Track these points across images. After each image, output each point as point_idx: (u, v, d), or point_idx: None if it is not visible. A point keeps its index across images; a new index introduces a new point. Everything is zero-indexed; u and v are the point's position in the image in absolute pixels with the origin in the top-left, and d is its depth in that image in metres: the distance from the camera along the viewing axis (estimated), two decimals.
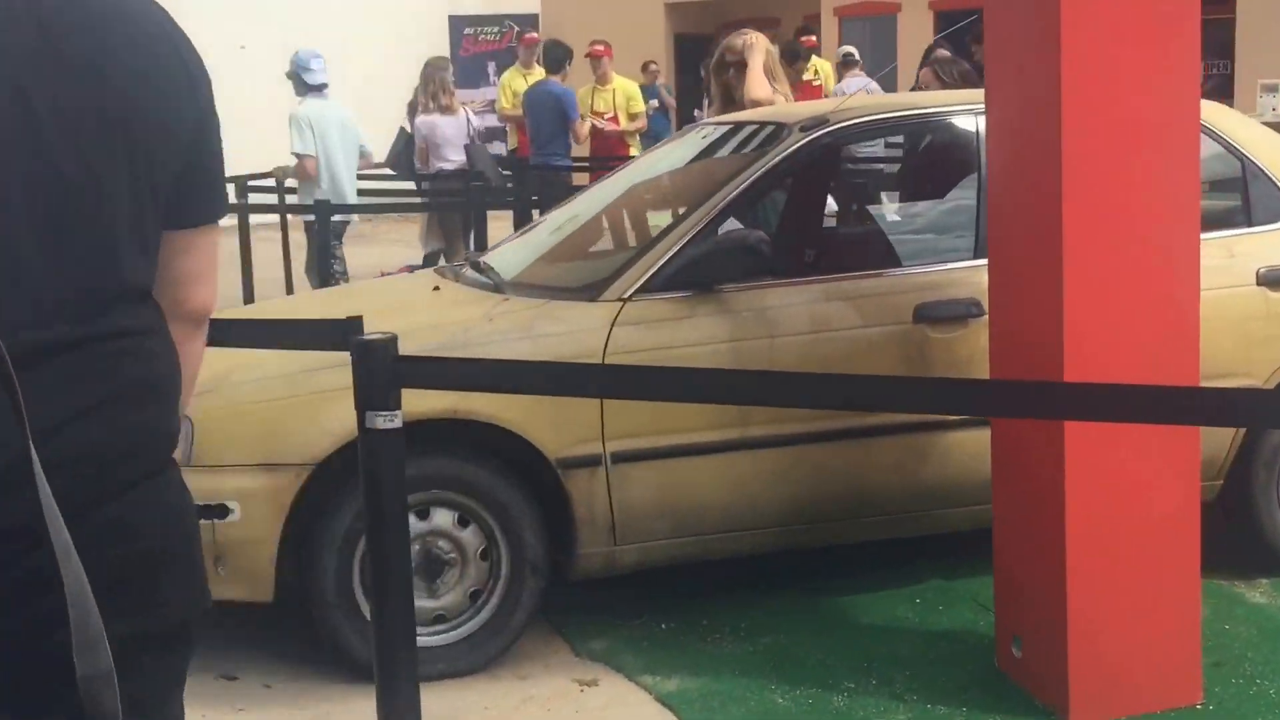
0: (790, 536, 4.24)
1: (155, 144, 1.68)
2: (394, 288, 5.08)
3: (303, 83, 8.65)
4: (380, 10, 17.98)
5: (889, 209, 4.86)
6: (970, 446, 4.05)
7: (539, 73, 11.11)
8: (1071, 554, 3.38)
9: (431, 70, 10.15)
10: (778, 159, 4.24)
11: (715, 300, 4.06)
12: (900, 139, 4.81)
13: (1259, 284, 4.37)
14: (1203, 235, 4.39)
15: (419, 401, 3.78)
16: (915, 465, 4.19)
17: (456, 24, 18.50)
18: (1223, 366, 4.30)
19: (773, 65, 6.18)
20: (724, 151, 4.64)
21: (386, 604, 3.04)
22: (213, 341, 2.19)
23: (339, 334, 3.20)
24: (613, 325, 3.97)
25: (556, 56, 10.65)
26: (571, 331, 3.98)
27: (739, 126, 4.79)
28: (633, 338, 3.97)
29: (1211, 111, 4.69)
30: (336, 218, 8.29)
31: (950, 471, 4.18)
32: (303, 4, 17.22)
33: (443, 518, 3.94)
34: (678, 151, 5.01)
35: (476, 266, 4.58)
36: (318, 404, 3.81)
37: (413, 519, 3.88)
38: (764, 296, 4.11)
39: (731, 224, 4.33)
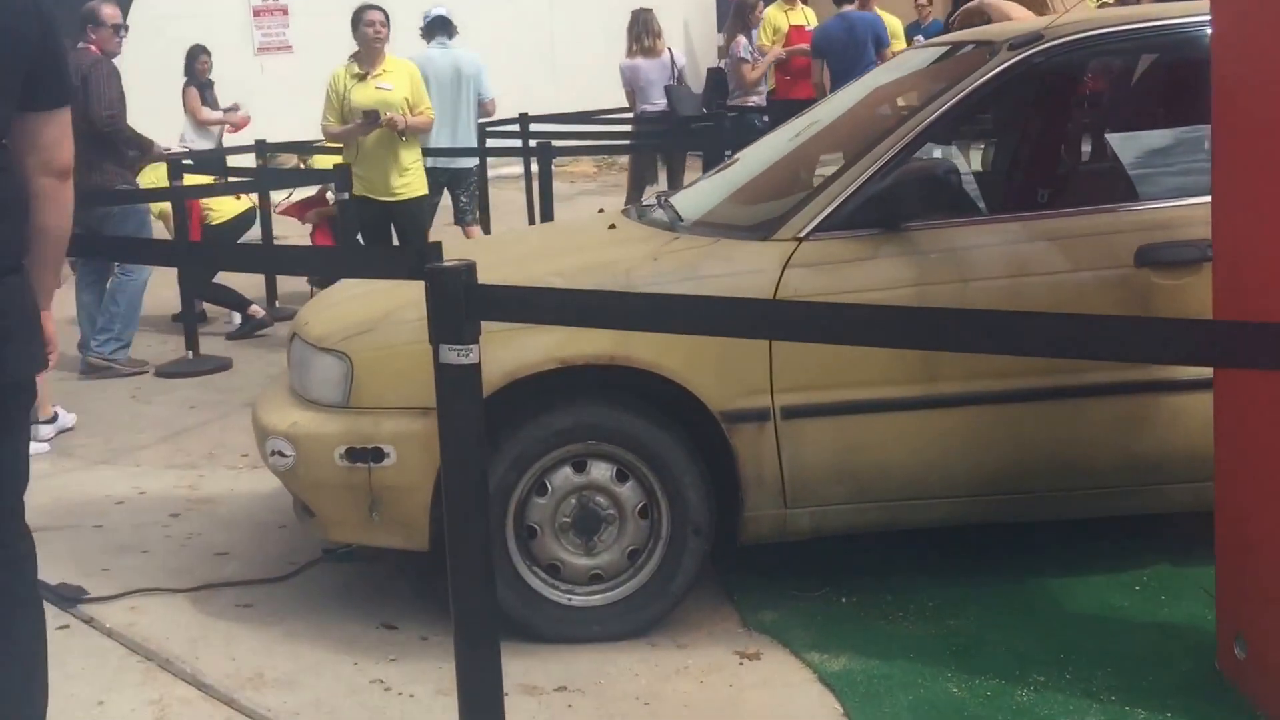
0: (988, 508, 3.80)
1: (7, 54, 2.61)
2: (572, 227, 4.83)
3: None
4: None
5: (1110, 137, 4.27)
6: (1202, 411, 3.50)
7: (801, 11, 10.56)
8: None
9: (637, 14, 10.07)
10: (981, 81, 3.75)
11: (901, 240, 3.64)
12: (1125, 58, 4.20)
13: None
14: None
15: (575, 344, 3.56)
16: (1135, 432, 3.67)
17: None
18: None
19: None
20: (928, 75, 4.17)
21: (461, 560, 2.78)
22: (292, 269, 2.14)
23: (417, 262, 2.97)
24: (785, 266, 3.61)
25: None
26: (739, 272, 3.64)
27: (954, 48, 4.31)
28: (807, 280, 3.60)
29: None
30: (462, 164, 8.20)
31: (1178, 440, 3.65)
32: None
33: (600, 471, 3.69)
34: (884, 78, 4.55)
35: (661, 205, 4.28)
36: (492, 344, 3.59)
37: (569, 471, 3.69)
38: (958, 236, 3.67)
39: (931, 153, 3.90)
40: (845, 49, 9.45)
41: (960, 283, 3.61)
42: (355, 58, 7.38)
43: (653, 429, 3.66)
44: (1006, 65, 3.77)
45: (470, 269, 2.67)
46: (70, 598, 4.13)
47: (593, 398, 3.67)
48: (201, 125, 10.49)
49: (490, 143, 8.68)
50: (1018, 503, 3.79)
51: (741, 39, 10.13)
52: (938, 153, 4.06)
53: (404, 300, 3.85)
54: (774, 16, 10.85)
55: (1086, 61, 4.13)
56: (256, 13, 14.99)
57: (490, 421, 3.62)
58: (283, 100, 14.10)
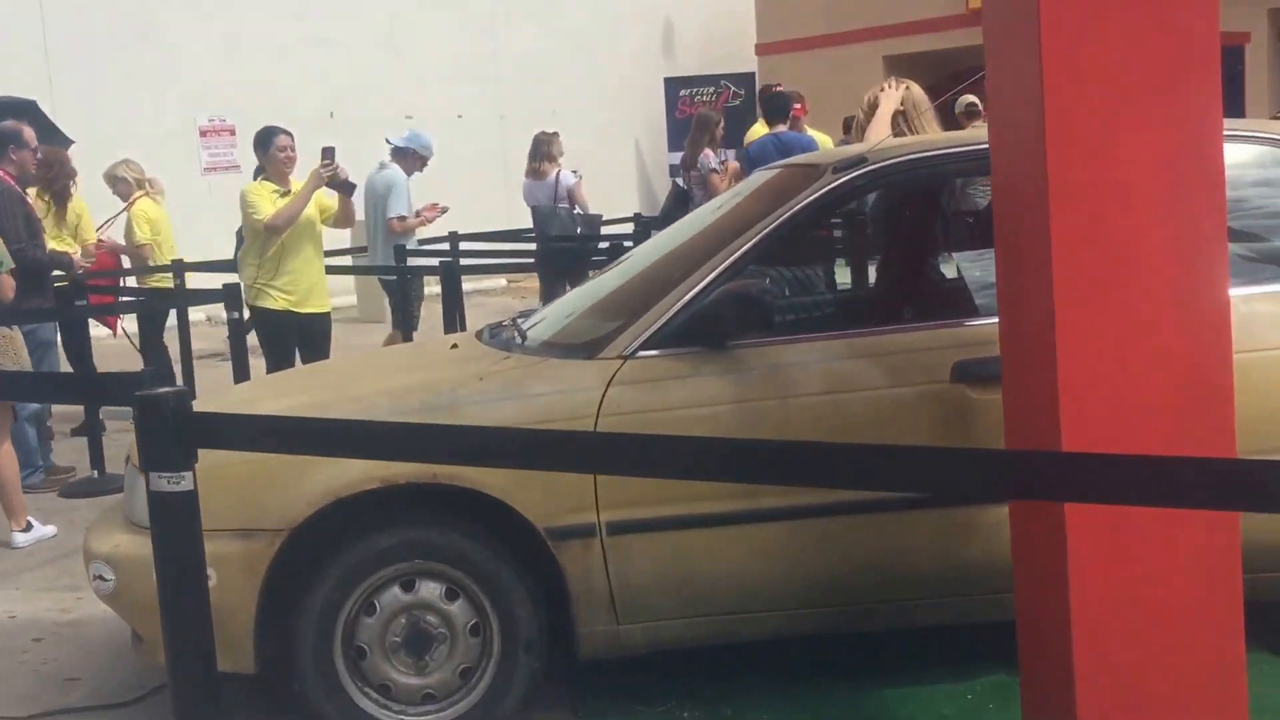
0: (819, 620, 3.79)
1: None
2: (421, 347, 4.86)
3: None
4: (596, 75, 18.12)
5: (929, 256, 4.35)
6: None
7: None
8: (1079, 659, 2.85)
9: (536, 137, 10.51)
10: (805, 203, 3.82)
11: (724, 358, 3.67)
12: (945, 180, 4.29)
13: None
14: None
15: (397, 462, 3.56)
16: (961, 541, 3.68)
17: (672, 86, 18.48)
18: None
19: (916, 116, 5.68)
20: (761, 197, 4.25)
21: (185, 689, 2.76)
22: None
23: (126, 388, 2.99)
24: (609, 384, 3.64)
25: (779, 105, 10.00)
26: (563, 391, 3.66)
27: (789, 170, 4.39)
28: (630, 398, 3.63)
29: None
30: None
31: (1005, 549, 3.65)
32: (515, 68, 17.50)
33: (429, 589, 3.67)
34: (734, 200, 4.62)
35: (511, 326, 4.32)
36: (297, 466, 3.61)
37: (398, 590, 3.67)
38: (780, 353, 3.70)
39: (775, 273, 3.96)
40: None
41: (780, 400, 3.64)
42: (267, 178, 7.44)
43: (479, 547, 3.65)
44: (830, 187, 3.84)
45: (180, 396, 2.70)
46: None
47: (418, 516, 3.67)
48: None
49: (415, 259, 8.80)
50: (847, 614, 3.78)
51: (709, 152, 10.20)
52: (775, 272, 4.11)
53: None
54: (758, 130, 10.88)
55: (908, 183, 4.20)
56: (203, 133, 15.16)
57: (315, 540, 3.64)
58: (229, 219, 14.25)
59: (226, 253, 10.41)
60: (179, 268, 8.96)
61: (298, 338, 7.37)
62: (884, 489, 3.11)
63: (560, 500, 3.59)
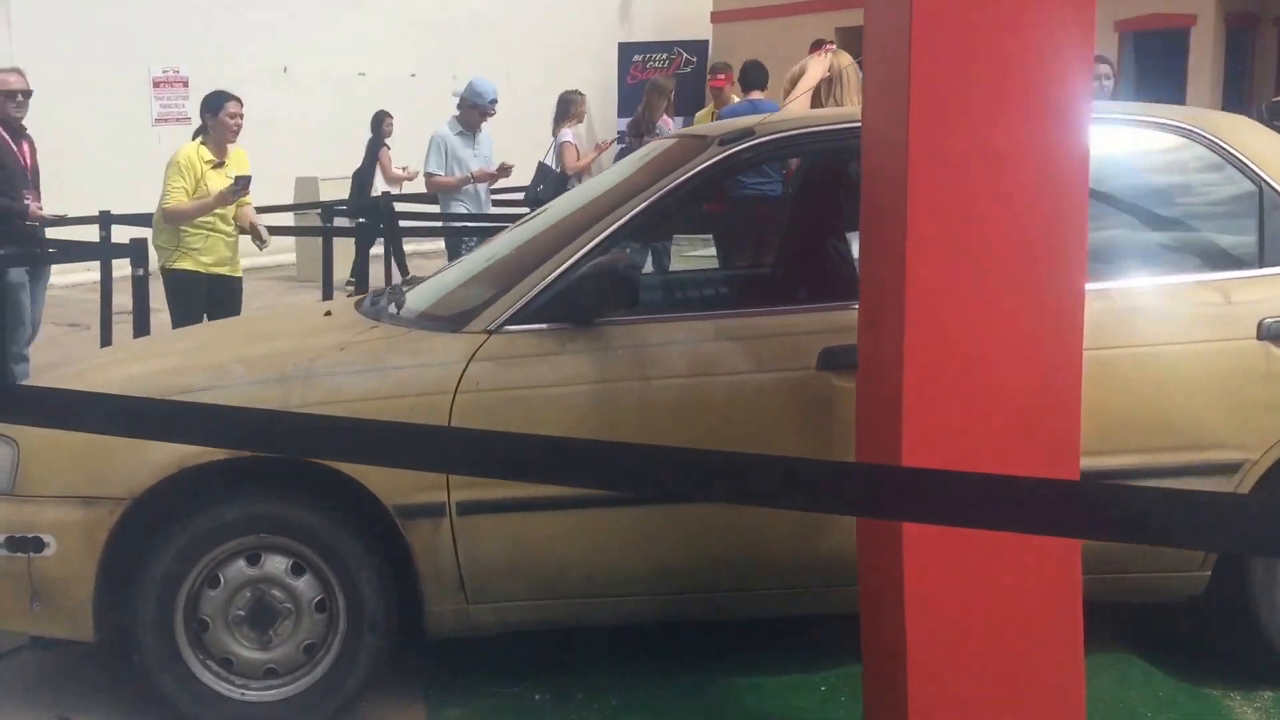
0: (670, 607, 3.63)
1: None
2: (292, 313, 4.65)
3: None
4: (549, 36, 17.79)
5: (804, 237, 4.16)
6: None
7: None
8: (913, 671, 2.70)
9: (560, 98, 9.76)
10: (686, 176, 3.63)
11: (589, 336, 3.49)
12: (830, 157, 4.08)
13: (1261, 338, 3.56)
14: (1194, 277, 3.69)
15: None
16: (817, 531, 3.51)
17: (626, 50, 18.17)
18: (1209, 436, 3.53)
19: (842, 87, 5.47)
20: (645, 169, 4.05)
21: None
22: None
23: None
24: (470, 360, 3.45)
25: (758, 74, 9.63)
26: (422, 365, 3.47)
27: (675, 141, 4.19)
28: (490, 374, 3.44)
29: (1224, 124, 3.89)
30: None
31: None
32: (469, 29, 17.16)
33: (275, 564, 3.48)
34: (623, 171, 4.41)
35: (391, 294, 4.11)
36: None
37: (242, 564, 3.48)
38: (646, 332, 3.52)
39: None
40: None
41: (643, 380, 3.46)
42: (207, 143, 7.12)
43: (327, 522, 3.46)
44: (714, 160, 3.65)
45: None
46: None
47: (265, 489, 3.47)
48: (391, 181, 12.13)
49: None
50: (699, 602, 3.63)
51: (668, 118, 9.81)
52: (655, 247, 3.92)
53: (90, 382, 3.69)
54: (701, 119, 10.50)
55: (791, 159, 4.02)
56: (156, 83, 14.79)
57: (159, 509, 3.45)
58: None
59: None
60: (106, 220, 8.66)
61: (206, 301, 7.10)
62: (694, 497, 2.94)
63: (410, 478, 3.40)
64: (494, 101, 8.46)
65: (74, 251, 6.90)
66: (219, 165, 6.89)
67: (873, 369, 2.90)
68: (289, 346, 3.70)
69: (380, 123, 12.66)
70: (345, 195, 12.46)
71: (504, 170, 8.32)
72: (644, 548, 3.50)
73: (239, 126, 6.98)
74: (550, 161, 9.44)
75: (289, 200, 13.35)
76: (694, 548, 3.50)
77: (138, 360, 3.96)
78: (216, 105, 6.92)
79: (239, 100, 7.05)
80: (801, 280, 3.99)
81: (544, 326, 3.51)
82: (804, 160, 4.04)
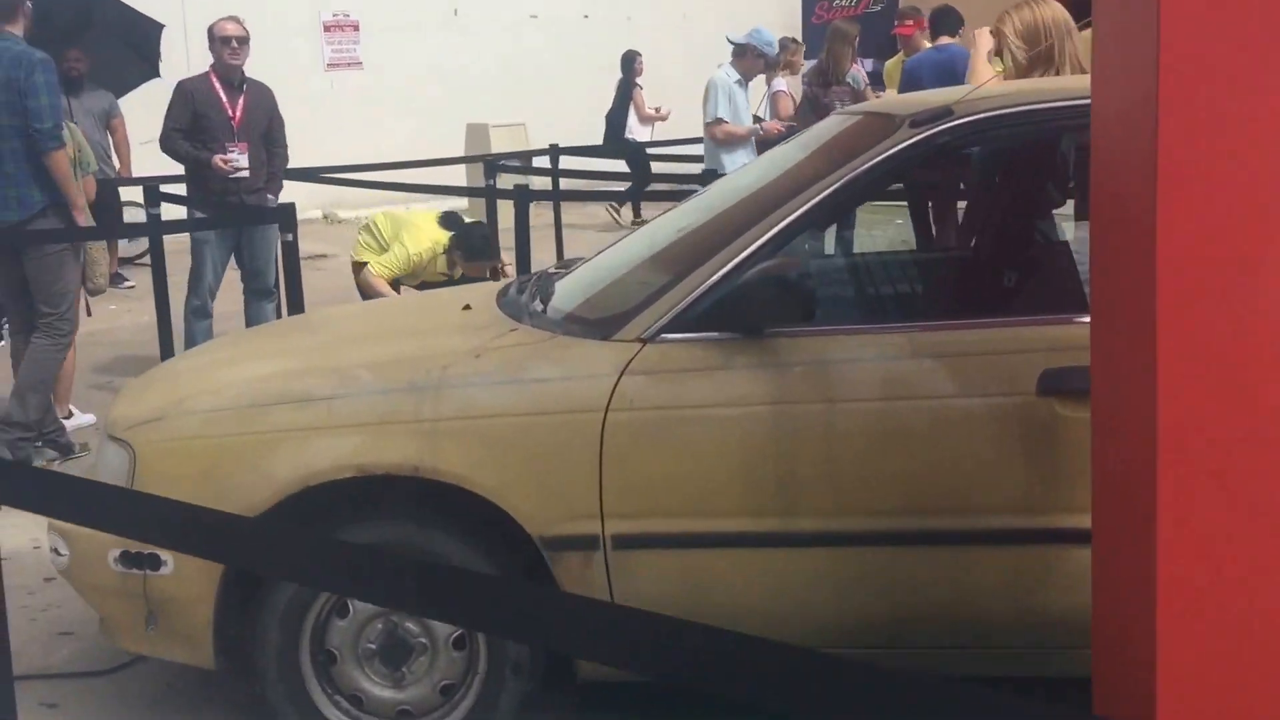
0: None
1: None
2: (428, 305, 4.23)
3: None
4: None
5: (1022, 236, 3.56)
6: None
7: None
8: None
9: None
10: (870, 164, 3.11)
11: (760, 349, 3.01)
12: (1052, 142, 3.47)
13: None
14: None
15: (375, 450, 3.02)
16: (1037, 586, 3.00)
17: None
18: None
19: (1063, 45, 4.61)
20: (820, 153, 3.53)
21: None
22: None
23: None
24: (622, 373, 3.01)
25: (949, 19, 8.89)
26: (568, 378, 3.05)
27: (858, 119, 3.64)
28: (646, 391, 3.00)
29: None
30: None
31: (1085, 598, 2.98)
32: None
33: None
34: (796, 154, 3.88)
35: (535, 284, 3.69)
36: (263, 446, 3.08)
37: None
38: (826, 346, 3.03)
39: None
40: (929, 85, 8.36)
41: (825, 403, 2.98)
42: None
43: (467, 550, 3.09)
44: (902, 146, 3.12)
45: None
46: None
47: (398, 511, 3.11)
48: (645, 120, 12.63)
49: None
50: (894, 658, 3.14)
51: (859, 65, 9.10)
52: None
53: (206, 385, 3.37)
54: (891, 69, 9.83)
55: (1003, 144, 3.44)
56: (327, 28, 14.68)
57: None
58: (350, 118, 13.83)
59: (345, 156, 9.99)
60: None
61: None
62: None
63: (559, 506, 3.01)
64: (780, 53, 8.13)
65: (232, 216, 6.64)
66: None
67: (1111, 396, 2.36)
68: (420, 349, 3.31)
69: (631, 62, 12.79)
70: (516, 145, 12.16)
71: (787, 127, 7.88)
72: (834, 594, 3.03)
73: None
74: (763, 113, 8.92)
75: (460, 148, 13.13)
76: (893, 597, 3.02)
77: (258, 358, 3.64)
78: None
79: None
80: (1015, 287, 3.43)
81: (707, 336, 3.05)
82: (1014, 144, 3.46)
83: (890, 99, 4.00)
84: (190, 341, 6.75)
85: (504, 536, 3.06)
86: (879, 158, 3.10)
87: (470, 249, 6.69)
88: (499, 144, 12.60)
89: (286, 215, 5.80)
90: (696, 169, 8.16)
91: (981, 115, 3.15)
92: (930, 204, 4.37)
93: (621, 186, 11.84)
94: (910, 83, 7.65)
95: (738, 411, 2.98)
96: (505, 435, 3.01)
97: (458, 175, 11.80)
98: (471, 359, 3.13)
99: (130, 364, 7.52)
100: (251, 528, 2.43)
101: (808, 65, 9.83)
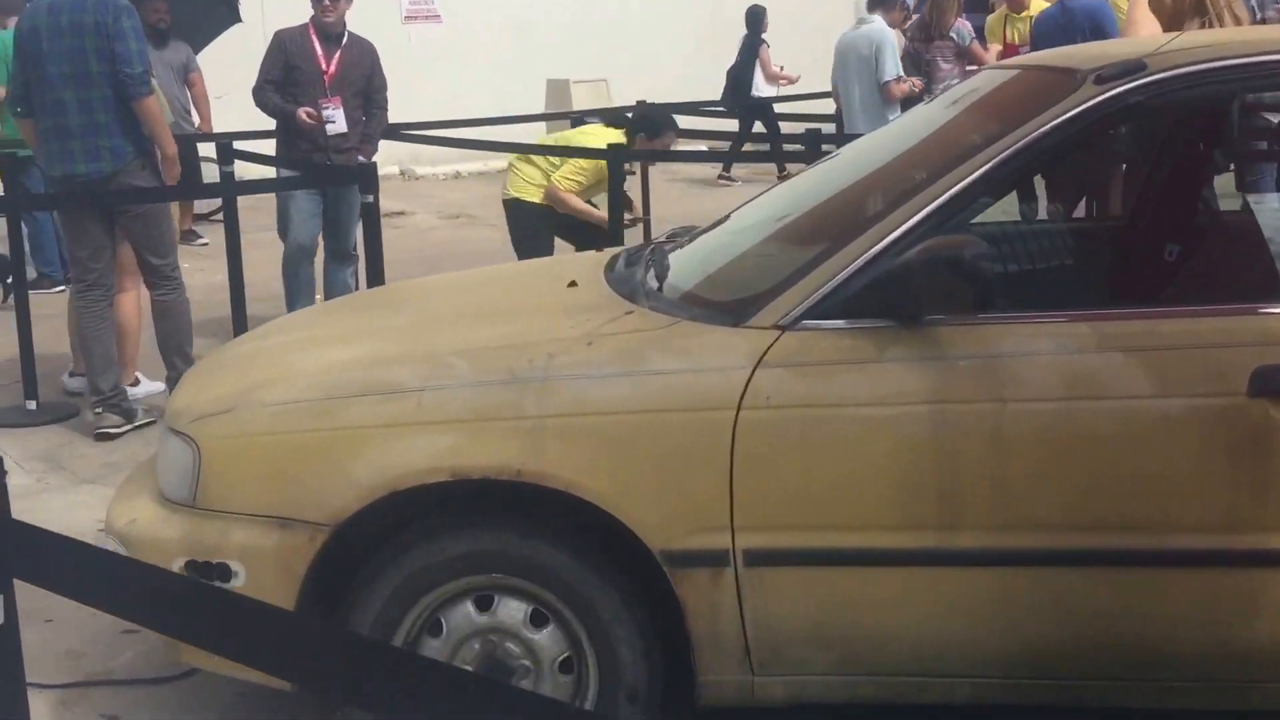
0: (1026, 693, 2.73)
1: None
2: (528, 278, 3.78)
3: None
4: None
5: (1230, 212, 3.07)
6: None
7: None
8: None
9: None
10: (1049, 126, 2.65)
11: (919, 339, 2.58)
12: (1262, 104, 2.98)
13: None
14: None
15: (471, 451, 2.64)
16: (1240, 612, 2.57)
17: None
18: None
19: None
20: (987, 113, 3.07)
21: None
22: None
23: None
24: (757, 365, 2.60)
25: None
26: (694, 370, 2.64)
27: (1024, 74, 3.17)
28: (784, 386, 2.58)
29: None
30: None
31: None
32: None
33: (510, 611, 2.75)
34: (954, 112, 3.40)
35: (655, 259, 3.27)
36: (344, 444, 2.71)
37: (470, 609, 2.76)
38: (996, 337, 2.59)
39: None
40: (1057, 43, 7.60)
41: (994, 403, 2.54)
42: None
43: (578, 565, 2.70)
44: (1087, 105, 2.65)
45: None
46: None
47: (500, 519, 2.73)
48: (770, 78, 12.41)
49: None
50: (1066, 690, 2.72)
51: (964, 20, 8.59)
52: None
53: (278, 373, 3.01)
54: (994, 24, 9.27)
55: (1205, 104, 2.96)
56: None
57: (368, 540, 2.76)
58: (430, 72, 13.45)
59: (423, 111, 9.61)
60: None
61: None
62: None
63: (684, 516, 2.61)
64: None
65: (310, 175, 6.27)
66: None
67: None
68: (522, 334, 2.92)
69: (758, 19, 12.52)
70: (597, 102, 11.75)
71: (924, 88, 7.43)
72: (1002, 620, 2.61)
73: None
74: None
75: (540, 104, 12.72)
76: (1071, 624, 2.60)
77: (337, 341, 3.25)
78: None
79: None
80: (1219, 271, 2.97)
81: (857, 324, 2.62)
82: (1221, 104, 2.98)
83: (1062, 52, 3.51)
84: (290, 304, 6.44)
85: (620, 550, 2.68)
86: (1061, 118, 2.64)
87: (653, 125, 6.30)
88: (580, 100, 12.18)
89: (367, 175, 5.42)
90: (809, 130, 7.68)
91: (1181, 70, 2.68)
92: (1111, 173, 3.88)
93: (719, 147, 11.36)
94: (1048, 36, 7.07)
95: (892, 411, 2.56)
96: (621, 435, 2.61)
97: (539, 133, 11.40)
98: (582, 347, 2.73)
99: (203, 327, 7.23)
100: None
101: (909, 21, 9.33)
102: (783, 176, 12.84)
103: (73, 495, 4.88)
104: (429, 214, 11.37)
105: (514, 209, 6.29)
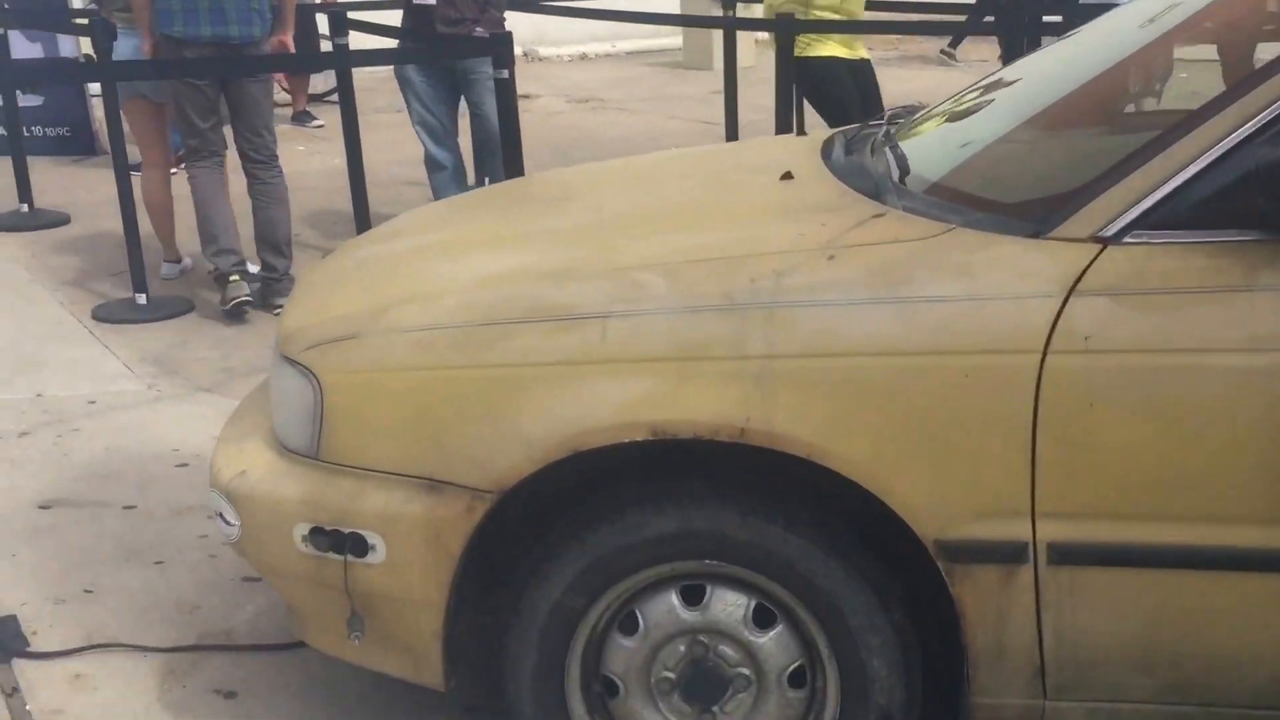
0: None
1: None
2: (728, 167, 3.03)
3: None
4: None
5: None
6: None
7: None
8: None
9: None
10: None
11: None
12: None
13: None
14: None
15: (679, 401, 1.99)
16: None
17: None
18: None
19: None
20: None
21: None
22: None
23: None
24: (1071, 291, 1.89)
25: None
26: (981, 298, 1.93)
27: None
28: (1111, 321, 1.87)
29: None
30: None
31: None
32: None
33: (726, 606, 2.12)
34: None
35: (889, 143, 2.54)
36: (508, 386, 2.07)
37: (675, 601, 2.13)
38: None
39: None
40: None
41: None
42: None
43: (819, 552, 2.05)
44: None
45: None
46: (7, 647, 2.88)
47: (718, 491, 2.08)
48: None
49: None
50: None
51: None
52: None
53: (417, 287, 2.36)
54: None
55: None
56: None
57: (542, 511, 2.14)
58: None
59: None
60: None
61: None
62: None
63: (967, 496, 1.94)
64: None
65: (434, 48, 5.57)
66: None
67: None
68: (736, 241, 2.21)
69: None
70: None
71: None
72: None
73: None
74: None
75: None
76: None
77: (490, 244, 2.55)
78: None
79: None
80: None
81: (1213, 236, 1.90)
82: None
83: None
84: (436, 195, 5.84)
85: (876, 536, 2.02)
86: None
87: None
88: None
89: (502, 46, 4.71)
90: None
91: None
92: None
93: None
94: None
95: (1266, 360, 1.84)
96: (882, 384, 1.94)
97: (672, 5, 10.55)
98: (821, 262, 2.04)
99: (320, 217, 6.66)
100: None
101: None
102: (947, 52, 11.77)
103: (187, 405, 4.36)
104: (555, 97, 10.66)
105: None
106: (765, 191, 2.48)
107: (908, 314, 1.94)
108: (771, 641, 2.12)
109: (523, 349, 2.07)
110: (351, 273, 2.58)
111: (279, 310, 5.18)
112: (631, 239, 2.37)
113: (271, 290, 5.22)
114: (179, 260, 5.73)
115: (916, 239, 2.05)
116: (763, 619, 2.12)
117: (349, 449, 2.16)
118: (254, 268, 5.37)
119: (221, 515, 2.32)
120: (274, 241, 5.23)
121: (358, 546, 2.15)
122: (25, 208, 6.76)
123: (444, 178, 5.89)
